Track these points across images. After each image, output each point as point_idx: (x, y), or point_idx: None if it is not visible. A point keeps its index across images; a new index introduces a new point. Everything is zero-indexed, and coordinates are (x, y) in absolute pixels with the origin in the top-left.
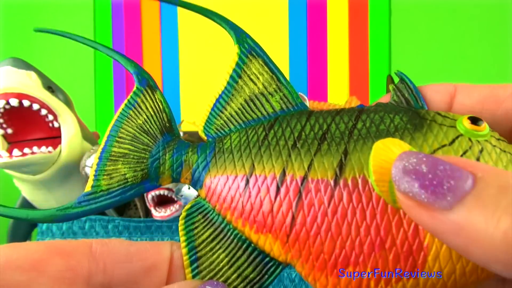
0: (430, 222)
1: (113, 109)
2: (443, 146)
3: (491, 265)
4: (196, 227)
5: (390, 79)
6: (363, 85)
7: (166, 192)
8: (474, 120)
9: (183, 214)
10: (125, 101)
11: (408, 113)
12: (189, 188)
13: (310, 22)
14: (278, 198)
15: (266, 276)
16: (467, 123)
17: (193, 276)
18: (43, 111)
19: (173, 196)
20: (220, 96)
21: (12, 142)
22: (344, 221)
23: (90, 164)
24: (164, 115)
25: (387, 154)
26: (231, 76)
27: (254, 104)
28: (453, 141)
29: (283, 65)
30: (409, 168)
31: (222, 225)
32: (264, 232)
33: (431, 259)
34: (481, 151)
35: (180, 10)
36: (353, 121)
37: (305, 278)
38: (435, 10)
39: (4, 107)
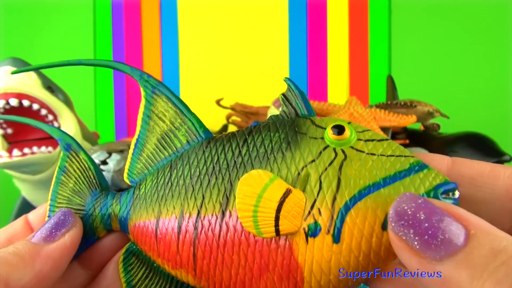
0: (417, 267)
1: (113, 109)
2: (311, 161)
3: None
4: (132, 268)
5: (390, 79)
6: (363, 85)
7: None
8: (339, 130)
9: (121, 257)
10: (57, 168)
11: (286, 128)
12: None
13: (310, 22)
14: (180, 237)
15: None
16: (330, 133)
17: None
18: (43, 111)
19: None
20: (137, 140)
21: (12, 142)
22: (233, 250)
23: None
24: (90, 172)
25: (249, 189)
26: (142, 119)
27: (166, 142)
28: (319, 154)
29: (283, 65)
30: (407, 213)
31: (151, 264)
32: (178, 268)
33: (307, 274)
34: (344, 159)
35: (180, 10)
36: (240, 147)
37: None
38: (435, 10)
39: (4, 107)
